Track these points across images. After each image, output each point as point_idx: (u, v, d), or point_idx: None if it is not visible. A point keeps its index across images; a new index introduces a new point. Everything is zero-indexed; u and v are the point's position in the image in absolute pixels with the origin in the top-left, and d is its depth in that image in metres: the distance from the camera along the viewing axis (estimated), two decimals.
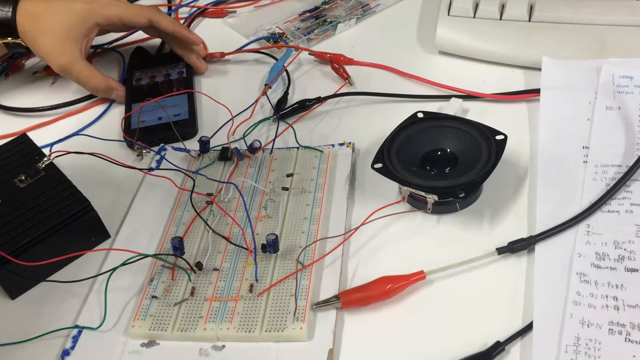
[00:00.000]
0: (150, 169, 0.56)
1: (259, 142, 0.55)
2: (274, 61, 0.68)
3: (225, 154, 0.56)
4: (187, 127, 0.61)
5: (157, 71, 0.68)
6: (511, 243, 0.46)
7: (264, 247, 0.47)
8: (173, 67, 0.68)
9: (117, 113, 0.66)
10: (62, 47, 0.63)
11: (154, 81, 0.67)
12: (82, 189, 0.54)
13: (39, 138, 0.61)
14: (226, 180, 0.53)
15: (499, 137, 0.50)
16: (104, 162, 0.55)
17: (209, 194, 0.52)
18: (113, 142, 0.60)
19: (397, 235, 0.49)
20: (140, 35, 0.75)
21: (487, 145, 0.49)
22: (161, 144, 0.59)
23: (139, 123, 0.61)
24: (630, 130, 0.52)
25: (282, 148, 0.57)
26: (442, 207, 0.49)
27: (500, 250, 0.45)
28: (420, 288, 0.45)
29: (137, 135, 0.59)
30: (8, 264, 0.46)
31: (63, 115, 0.66)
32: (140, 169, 0.55)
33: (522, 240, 0.46)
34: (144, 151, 0.59)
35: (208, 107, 0.64)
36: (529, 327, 0.41)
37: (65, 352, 0.43)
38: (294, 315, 0.43)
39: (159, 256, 0.47)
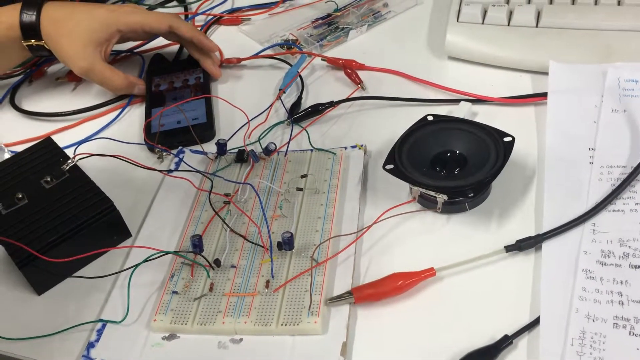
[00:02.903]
0: (170, 171, 0.58)
1: (274, 144, 0.57)
2: (288, 67, 0.70)
3: (242, 156, 0.58)
4: (204, 130, 0.63)
5: (175, 77, 0.70)
6: (519, 241, 0.47)
7: (280, 245, 0.48)
8: (190, 73, 0.71)
9: (137, 116, 0.68)
10: (84, 50, 0.65)
11: (172, 87, 0.69)
12: (105, 189, 0.56)
13: (62, 141, 0.64)
14: (243, 181, 0.55)
15: (506, 139, 0.51)
16: (125, 164, 0.57)
17: (227, 194, 0.54)
18: (134, 145, 0.62)
19: (408, 233, 0.50)
20: (157, 42, 0.77)
21: (495, 147, 0.51)
22: (180, 147, 0.62)
23: (159, 127, 0.64)
24: (635, 132, 0.53)
25: (296, 150, 0.58)
26: (452, 207, 0.51)
27: (509, 248, 0.47)
28: (431, 284, 0.46)
29: (158, 139, 0.61)
30: (35, 260, 0.48)
31: (85, 119, 0.69)
32: (160, 171, 0.57)
33: (529, 238, 0.47)
34: (164, 154, 0.61)
35: (225, 111, 0.66)
36: (536, 322, 0.42)
37: (90, 345, 0.45)
38: (309, 309, 0.44)
39: (180, 253, 0.49)
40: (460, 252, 0.47)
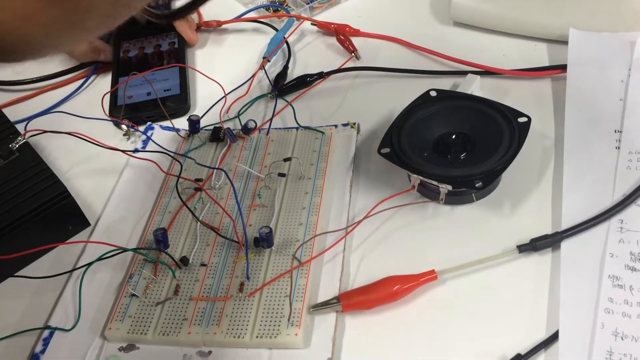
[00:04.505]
0: (135, 150, 0.51)
1: (254, 122, 0.50)
2: (273, 32, 0.62)
3: (217, 135, 0.51)
4: (178, 102, 0.56)
5: (147, 42, 0.63)
6: (534, 240, 0.41)
7: (257, 241, 0.42)
8: (164, 38, 0.63)
9: (103, 86, 0.61)
10: None
11: (143, 53, 0.62)
12: (61, 171, 0.50)
13: (18, 114, 0.57)
14: (217, 165, 0.48)
15: (521, 119, 0.45)
16: (85, 143, 0.50)
17: (198, 180, 0.47)
18: (98, 120, 0.55)
19: (406, 228, 0.44)
20: None
21: (509, 129, 0.44)
22: (148, 123, 0.54)
23: (126, 99, 0.56)
24: None
25: (279, 128, 0.52)
26: (456, 198, 0.44)
27: (522, 248, 0.41)
28: (431, 289, 0.40)
29: (123, 112, 0.54)
30: None
31: (45, 89, 0.61)
32: (123, 151, 0.50)
33: (546, 236, 0.41)
34: (130, 130, 0.54)
35: (202, 81, 0.59)
36: (553, 338, 0.36)
37: (35, 356, 0.39)
38: (289, 319, 0.38)
39: (139, 251, 0.43)
40: (465, 252, 0.41)
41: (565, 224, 0.41)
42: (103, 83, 0.61)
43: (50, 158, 0.52)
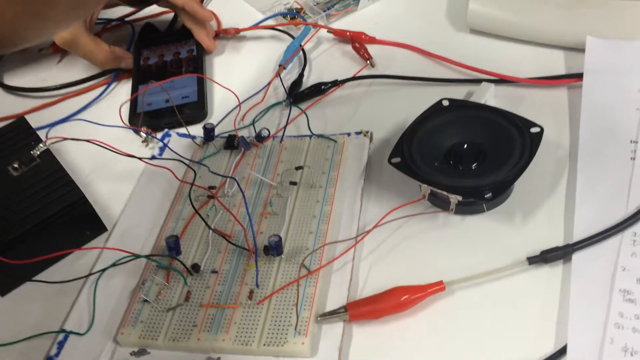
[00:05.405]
0: (152, 157, 0.52)
1: (268, 130, 0.51)
2: (290, 39, 0.63)
3: (232, 143, 0.51)
4: (195, 110, 0.57)
5: (166, 49, 0.64)
6: (544, 252, 0.40)
7: (267, 250, 0.42)
8: (182, 45, 0.64)
9: (124, 93, 0.62)
10: None
11: (162, 60, 0.63)
12: (80, 177, 0.51)
13: (42, 120, 0.58)
14: (231, 173, 0.49)
15: (534, 130, 0.44)
16: (104, 149, 0.51)
17: (211, 187, 0.48)
18: (119, 127, 0.56)
19: (415, 238, 0.44)
20: (151, 10, 0.70)
21: (521, 139, 0.44)
22: (165, 130, 0.55)
23: (145, 106, 0.57)
24: None
25: (293, 136, 0.52)
26: (467, 207, 0.44)
27: (532, 260, 0.40)
28: (439, 300, 0.40)
29: (142, 120, 0.55)
30: None
31: (68, 95, 0.63)
32: (139, 158, 0.51)
33: (557, 249, 0.40)
34: (149, 137, 0.55)
35: (220, 88, 0.60)
36: (562, 352, 0.36)
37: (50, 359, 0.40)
38: (296, 328, 0.38)
39: (152, 258, 0.43)
40: (474, 263, 0.41)
41: (577, 236, 0.41)
42: (124, 90, 0.62)
43: (70, 164, 0.53)
